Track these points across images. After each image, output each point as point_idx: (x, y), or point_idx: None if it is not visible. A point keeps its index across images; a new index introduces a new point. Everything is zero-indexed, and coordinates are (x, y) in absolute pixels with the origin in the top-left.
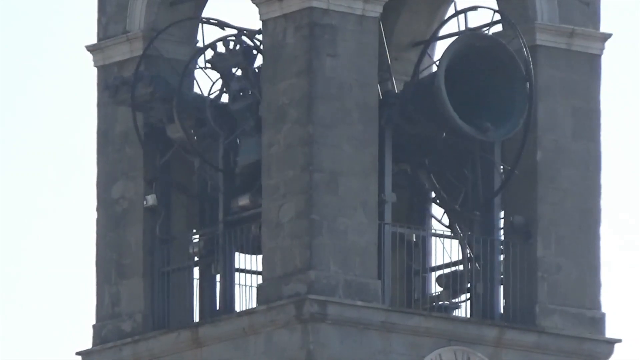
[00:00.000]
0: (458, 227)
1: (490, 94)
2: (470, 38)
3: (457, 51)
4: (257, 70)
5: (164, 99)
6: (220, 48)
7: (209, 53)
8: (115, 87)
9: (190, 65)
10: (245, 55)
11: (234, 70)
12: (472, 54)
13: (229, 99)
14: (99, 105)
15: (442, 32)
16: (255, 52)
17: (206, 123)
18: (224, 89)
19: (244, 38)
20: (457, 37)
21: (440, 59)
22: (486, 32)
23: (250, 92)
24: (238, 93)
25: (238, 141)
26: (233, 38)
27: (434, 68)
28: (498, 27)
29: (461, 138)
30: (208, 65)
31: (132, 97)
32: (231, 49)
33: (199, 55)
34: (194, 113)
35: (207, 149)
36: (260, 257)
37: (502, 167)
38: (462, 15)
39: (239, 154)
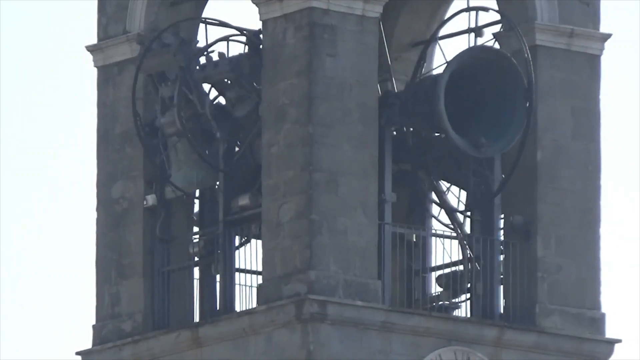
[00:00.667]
0: (458, 227)
1: (489, 105)
2: (476, 51)
3: (461, 63)
4: (249, 72)
5: (179, 67)
6: (204, 60)
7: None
8: (150, 44)
9: (191, 65)
10: (231, 66)
11: (225, 80)
12: (476, 65)
13: (229, 106)
14: (99, 105)
15: (442, 32)
16: (244, 52)
17: (203, 120)
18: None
19: (220, 52)
20: (463, 50)
21: (444, 71)
22: (491, 42)
23: (248, 97)
24: (237, 100)
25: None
26: (239, 38)
27: (435, 67)
28: (498, 27)
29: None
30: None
31: (152, 47)
32: (215, 62)
33: (199, 56)
34: (194, 103)
35: (206, 148)
36: (259, 254)
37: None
38: (463, 16)
39: (253, 153)
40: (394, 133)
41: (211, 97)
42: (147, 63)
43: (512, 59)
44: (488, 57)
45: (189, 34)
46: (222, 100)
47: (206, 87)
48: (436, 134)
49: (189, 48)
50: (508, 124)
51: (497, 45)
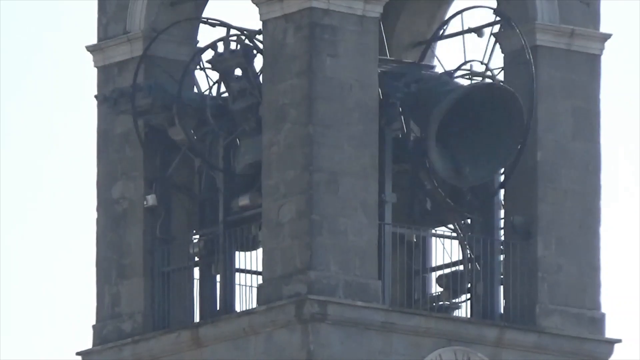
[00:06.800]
0: (458, 227)
1: (482, 133)
2: (483, 87)
3: (464, 95)
4: (257, 70)
5: (164, 105)
6: (221, 48)
7: (210, 53)
8: (113, 100)
9: (191, 65)
10: (245, 56)
11: (235, 70)
12: (480, 97)
13: (230, 99)
14: (99, 105)
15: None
16: (255, 52)
17: (207, 123)
18: (225, 89)
19: (244, 38)
20: (472, 84)
21: (444, 102)
22: (491, 43)
23: (250, 93)
24: (238, 93)
25: (238, 142)
26: (234, 38)
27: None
28: (498, 28)
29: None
30: (208, 65)
31: (132, 107)
32: (232, 50)
33: (199, 56)
34: (194, 114)
35: (207, 148)
36: (259, 255)
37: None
38: (463, 16)
39: (239, 154)
40: (396, 134)
41: (212, 92)
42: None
43: (518, 97)
44: (494, 93)
45: (189, 34)
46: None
47: (213, 75)
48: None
49: (158, 88)
50: (495, 155)
51: (497, 46)
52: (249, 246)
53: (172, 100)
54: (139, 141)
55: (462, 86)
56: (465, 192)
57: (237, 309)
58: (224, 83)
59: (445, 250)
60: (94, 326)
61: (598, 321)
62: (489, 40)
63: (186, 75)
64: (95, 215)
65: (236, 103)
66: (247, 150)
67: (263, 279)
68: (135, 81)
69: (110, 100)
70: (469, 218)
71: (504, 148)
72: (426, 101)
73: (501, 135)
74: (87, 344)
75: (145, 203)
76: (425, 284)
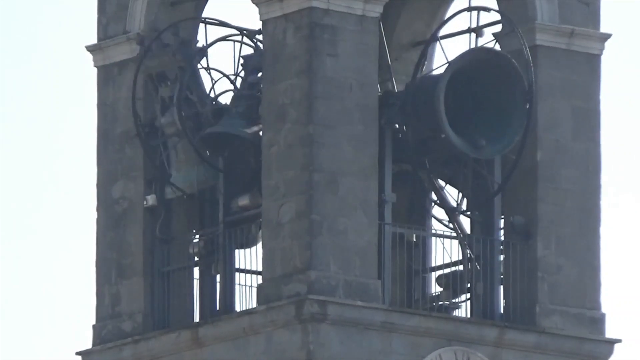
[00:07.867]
0: (458, 227)
1: (489, 106)
2: (477, 52)
3: (462, 64)
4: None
5: (180, 68)
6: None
7: (247, 50)
8: (149, 44)
9: (191, 65)
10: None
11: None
12: (477, 66)
13: (240, 87)
14: (99, 105)
15: (442, 32)
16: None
17: (204, 119)
18: (236, 86)
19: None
20: (464, 51)
21: (444, 72)
22: (494, 46)
23: (258, 89)
24: (248, 85)
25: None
26: (239, 38)
27: (435, 67)
28: (498, 27)
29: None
30: (204, 66)
31: (151, 47)
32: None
33: (199, 56)
34: (194, 103)
35: (206, 148)
36: (259, 255)
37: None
38: (463, 16)
39: (212, 127)
40: (395, 133)
41: (211, 92)
42: (147, 63)
43: (513, 60)
44: (489, 59)
45: (189, 34)
46: (221, 98)
47: (214, 76)
48: (435, 135)
49: (188, 48)
50: (507, 125)
51: (497, 46)
52: (249, 244)
53: (188, 64)
54: (139, 141)
55: (456, 59)
56: (465, 193)
57: (237, 308)
58: (243, 77)
59: (445, 250)
60: (94, 326)
61: (598, 321)
62: (474, 38)
63: (186, 75)
64: (95, 215)
65: (239, 91)
66: (221, 123)
67: (263, 279)
68: (176, 25)
69: (146, 41)
70: (469, 218)
71: (514, 115)
72: (424, 89)
73: (507, 104)
74: (87, 344)
75: (145, 203)
76: (425, 283)
